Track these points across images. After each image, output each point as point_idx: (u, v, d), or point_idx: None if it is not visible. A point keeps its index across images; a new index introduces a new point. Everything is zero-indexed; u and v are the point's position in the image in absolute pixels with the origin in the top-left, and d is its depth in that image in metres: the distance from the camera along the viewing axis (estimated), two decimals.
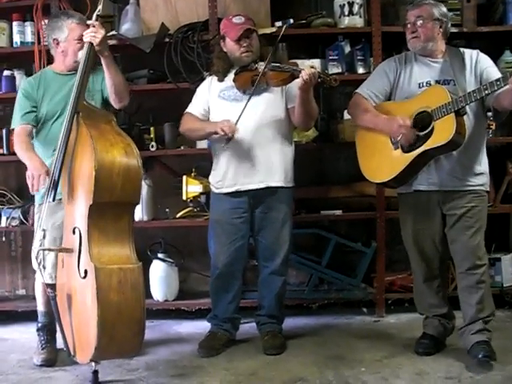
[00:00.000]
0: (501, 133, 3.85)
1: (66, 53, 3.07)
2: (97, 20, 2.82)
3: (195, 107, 3.27)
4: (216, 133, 3.06)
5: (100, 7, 2.84)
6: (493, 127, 3.67)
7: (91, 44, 2.79)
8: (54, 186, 2.77)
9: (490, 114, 3.03)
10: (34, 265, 2.94)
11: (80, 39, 2.98)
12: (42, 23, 3.74)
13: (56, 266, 2.93)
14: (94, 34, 2.78)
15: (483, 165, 2.99)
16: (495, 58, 3.55)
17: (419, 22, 2.95)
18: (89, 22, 2.85)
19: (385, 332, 3.51)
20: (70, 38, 3.04)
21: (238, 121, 3.04)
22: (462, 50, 3.02)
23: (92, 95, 3.04)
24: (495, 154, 3.77)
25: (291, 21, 3.72)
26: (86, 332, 2.57)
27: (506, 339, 3.22)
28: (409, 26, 3.00)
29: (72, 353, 2.72)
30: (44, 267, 2.92)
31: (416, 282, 3.18)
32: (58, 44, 3.08)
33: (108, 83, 2.96)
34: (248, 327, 3.50)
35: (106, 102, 3.08)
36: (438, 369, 2.89)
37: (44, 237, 2.89)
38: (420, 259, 3.07)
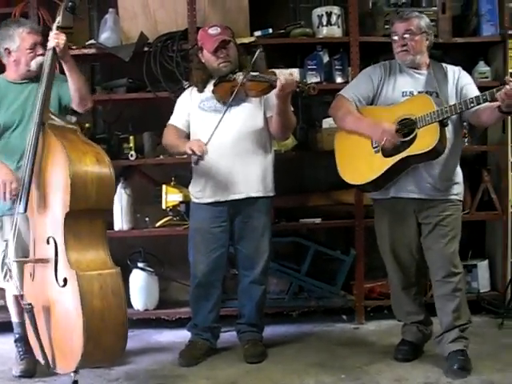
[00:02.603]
0: (476, 142, 3.92)
1: (18, 62, 3.00)
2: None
3: (177, 119, 3.27)
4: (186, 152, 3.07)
5: (59, 18, 2.82)
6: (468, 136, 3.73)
7: (54, 52, 2.77)
8: (26, 196, 2.72)
9: (465, 123, 3.09)
10: (0, 276, 2.92)
11: (32, 48, 2.96)
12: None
13: (20, 277, 2.88)
14: (57, 40, 2.77)
15: (458, 175, 3.03)
16: (469, 68, 3.62)
17: (408, 36, 2.96)
18: (51, 33, 2.82)
19: (364, 339, 3.54)
20: (22, 48, 2.98)
21: (209, 141, 3.05)
22: (444, 65, 3.06)
23: (48, 103, 2.99)
24: (471, 162, 3.84)
25: (270, 30, 3.75)
26: (70, 340, 2.56)
27: (483, 344, 3.27)
28: (396, 38, 3.00)
29: (51, 365, 2.69)
30: (11, 277, 2.89)
31: (393, 290, 3.20)
32: (9, 53, 3.01)
33: (72, 88, 2.94)
34: (228, 336, 3.50)
35: (63, 109, 3.05)
36: (416, 375, 2.92)
37: (6, 247, 2.88)
38: (397, 268, 3.09)
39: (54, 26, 2.83)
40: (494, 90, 2.65)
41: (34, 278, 2.77)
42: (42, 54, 2.95)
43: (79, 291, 2.52)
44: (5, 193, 2.79)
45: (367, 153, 2.97)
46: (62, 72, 2.98)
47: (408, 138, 2.85)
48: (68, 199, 2.59)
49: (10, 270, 2.90)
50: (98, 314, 2.56)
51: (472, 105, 2.74)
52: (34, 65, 2.98)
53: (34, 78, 3.01)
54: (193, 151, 3.02)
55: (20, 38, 2.97)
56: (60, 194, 2.63)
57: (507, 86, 2.57)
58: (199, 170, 3.22)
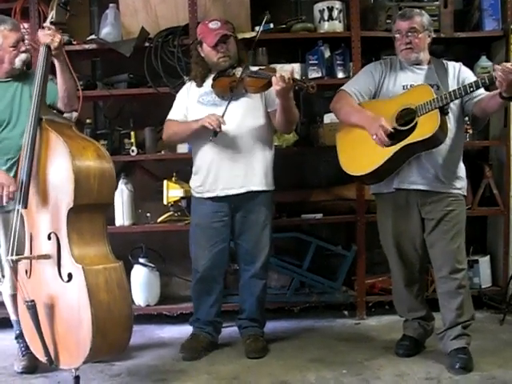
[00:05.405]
0: (478, 137, 3.91)
1: (1, 60, 2.95)
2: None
3: (176, 113, 3.26)
4: (203, 128, 3.03)
5: (53, 13, 2.78)
6: (470, 131, 3.72)
7: (48, 48, 2.73)
8: (26, 193, 2.69)
9: (466, 118, 3.08)
10: None
11: (15, 46, 2.91)
12: (21, 26, 3.70)
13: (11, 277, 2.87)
14: (52, 37, 2.73)
15: (461, 169, 3.03)
16: (471, 63, 3.61)
17: (413, 34, 2.95)
18: (44, 25, 2.79)
19: (366, 334, 3.54)
20: (5, 46, 2.91)
21: (224, 114, 3.02)
22: (444, 61, 3.06)
23: (44, 98, 2.93)
24: (472, 157, 3.84)
25: (271, 25, 3.73)
26: (76, 335, 2.58)
27: (484, 340, 3.27)
28: (398, 36, 3.00)
29: (54, 362, 2.68)
30: (3, 276, 2.88)
31: (396, 286, 3.19)
32: None
33: (61, 88, 2.90)
34: (230, 331, 3.50)
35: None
36: (417, 370, 2.93)
37: None
38: (401, 264, 3.08)
39: (48, 22, 2.79)
40: (492, 72, 2.65)
41: (31, 275, 2.75)
42: (25, 51, 2.94)
43: (86, 285, 2.54)
44: (1, 196, 2.77)
45: (369, 143, 2.93)
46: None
47: (408, 127, 2.83)
48: (72, 195, 2.60)
49: (3, 269, 2.90)
50: (106, 306, 2.59)
51: (471, 89, 2.74)
52: (18, 62, 2.94)
53: (17, 75, 2.99)
54: (211, 125, 2.98)
55: (2, 36, 2.91)
56: (63, 189, 2.63)
57: (502, 64, 2.59)
58: (199, 165, 3.22)
